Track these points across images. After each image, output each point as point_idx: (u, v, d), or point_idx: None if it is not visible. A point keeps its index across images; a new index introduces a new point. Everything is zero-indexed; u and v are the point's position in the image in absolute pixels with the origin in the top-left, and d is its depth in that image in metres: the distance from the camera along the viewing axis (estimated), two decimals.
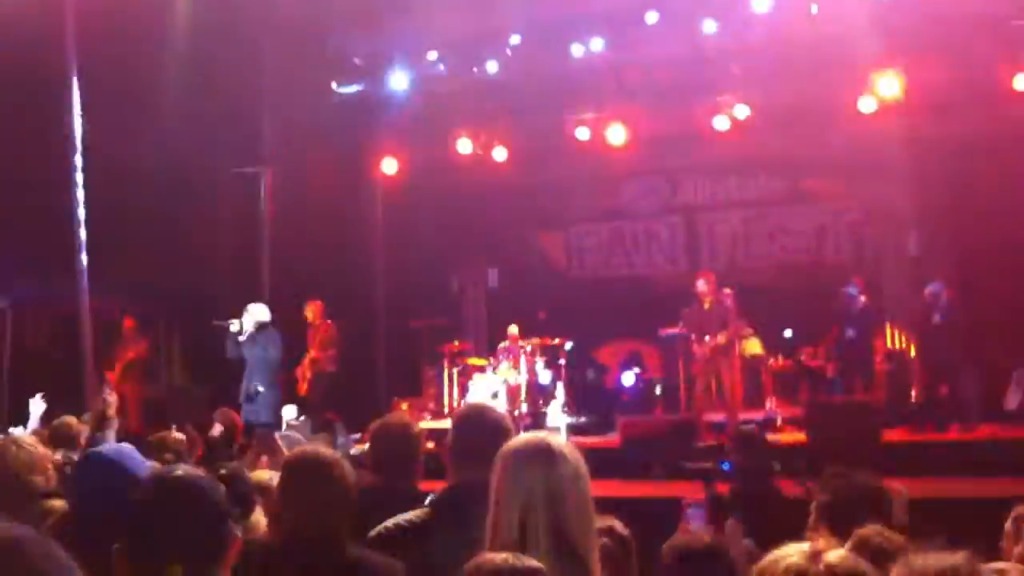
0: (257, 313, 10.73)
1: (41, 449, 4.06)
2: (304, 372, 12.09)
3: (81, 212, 10.18)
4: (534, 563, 2.37)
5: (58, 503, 3.57)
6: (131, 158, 11.50)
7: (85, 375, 10.34)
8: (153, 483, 2.58)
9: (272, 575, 3.12)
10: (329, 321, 12.12)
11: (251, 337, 10.64)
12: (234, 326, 10.64)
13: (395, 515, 3.29)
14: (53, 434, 6.16)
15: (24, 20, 10.33)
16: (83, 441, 5.90)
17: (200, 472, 2.76)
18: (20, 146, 11.38)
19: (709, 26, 12.05)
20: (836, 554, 2.07)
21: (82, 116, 10.29)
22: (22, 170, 11.31)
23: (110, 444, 4.42)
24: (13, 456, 3.85)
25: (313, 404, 11.70)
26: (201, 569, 2.29)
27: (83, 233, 10.17)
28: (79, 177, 10.20)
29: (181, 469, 2.73)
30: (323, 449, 3.55)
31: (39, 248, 11.73)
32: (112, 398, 6.08)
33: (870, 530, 3.21)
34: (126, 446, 3.45)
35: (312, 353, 12.05)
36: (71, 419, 6.58)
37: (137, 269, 11.96)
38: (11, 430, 7.18)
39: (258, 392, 10.47)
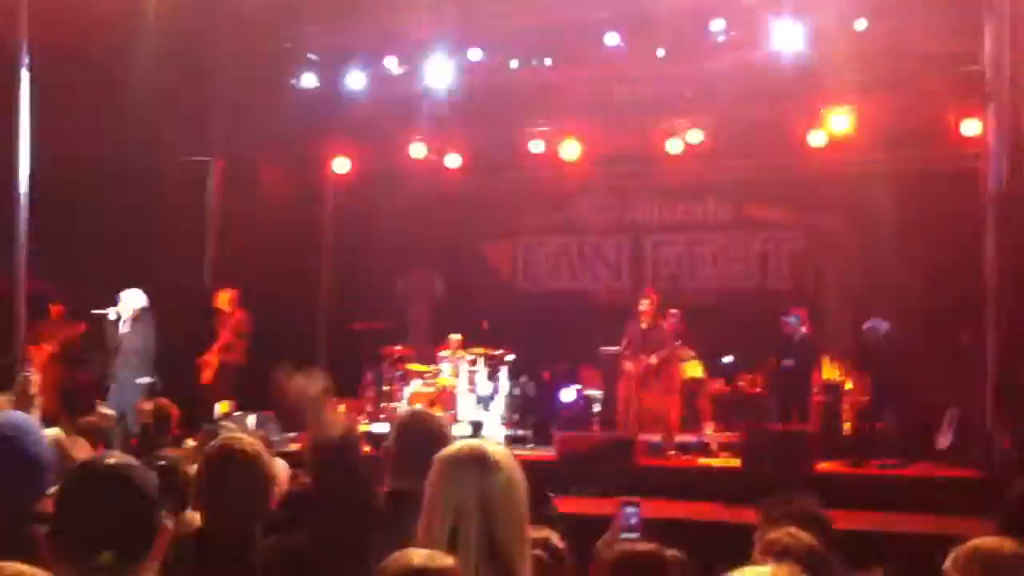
0: (133, 300, 10.54)
1: None
2: (210, 360, 11.86)
3: (24, 191, 9.98)
4: (448, 562, 2.34)
5: None
6: (78, 142, 11.29)
7: (17, 355, 10.15)
8: (84, 470, 2.55)
9: (200, 567, 3.08)
10: (242, 311, 11.94)
11: (128, 324, 10.44)
12: (111, 314, 10.44)
13: None
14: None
15: None
16: None
17: (131, 460, 2.71)
18: None
19: (668, 49, 12.13)
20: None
21: (31, 99, 10.10)
22: None
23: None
24: None
25: (215, 394, 11.51)
26: (129, 556, 2.28)
27: (25, 213, 9.98)
28: (25, 157, 10.00)
29: (112, 457, 2.69)
30: (245, 440, 3.48)
31: None
32: (35, 377, 5.96)
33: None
34: (26, 420, 3.35)
35: (220, 342, 11.85)
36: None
37: (79, 255, 11.73)
38: None
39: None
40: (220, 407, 11.14)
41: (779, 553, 3.15)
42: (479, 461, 2.60)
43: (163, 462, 4.98)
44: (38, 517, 2.89)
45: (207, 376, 11.82)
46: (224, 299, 12.00)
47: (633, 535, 3.74)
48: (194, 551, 3.16)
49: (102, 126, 11.46)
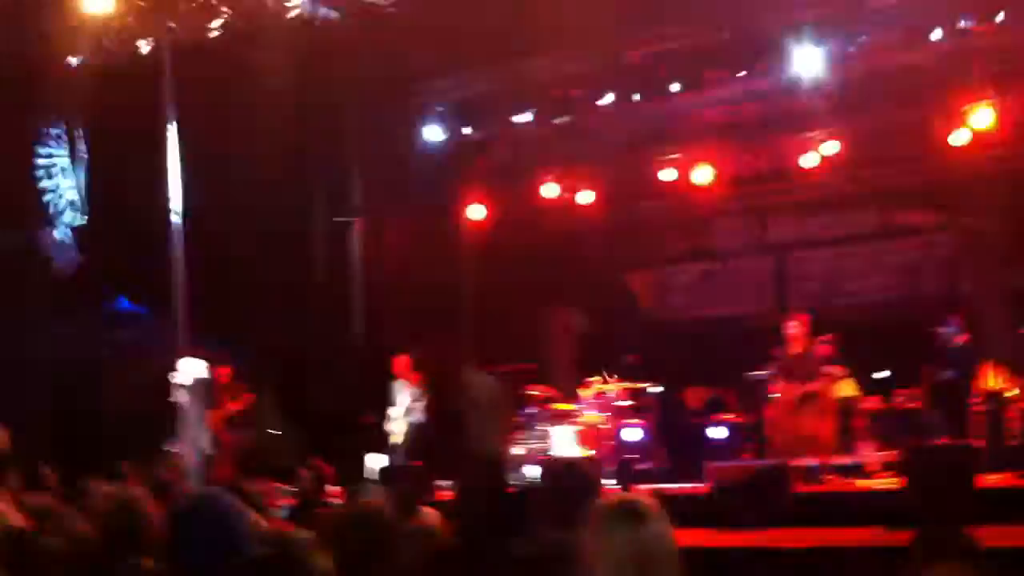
0: (194, 369, 10.64)
1: None
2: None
3: (180, 261, 10.48)
4: None
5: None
6: (227, 210, 11.83)
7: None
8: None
9: None
10: (418, 374, 12.32)
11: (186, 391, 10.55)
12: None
13: None
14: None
15: (127, 78, 10.83)
16: None
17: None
18: (123, 198, 11.86)
19: (796, 61, 11.93)
20: None
21: (181, 171, 10.63)
22: (125, 221, 11.78)
23: (205, 493, 4.48)
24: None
25: (411, 455, 11.90)
26: None
27: (181, 282, 10.48)
28: (178, 226, 10.51)
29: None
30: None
31: (141, 298, 12.15)
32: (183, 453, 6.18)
33: None
34: (221, 494, 3.48)
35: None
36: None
37: (233, 320, 12.24)
38: None
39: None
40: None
41: None
42: (633, 512, 2.67)
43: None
44: None
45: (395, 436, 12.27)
46: (400, 363, 12.39)
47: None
48: None
49: (246, 191, 11.97)
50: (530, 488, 4.14)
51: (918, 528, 4.09)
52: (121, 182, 11.97)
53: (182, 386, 10.34)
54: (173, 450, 9.55)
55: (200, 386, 10.52)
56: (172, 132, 10.46)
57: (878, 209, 14.30)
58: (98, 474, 6.47)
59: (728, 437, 12.39)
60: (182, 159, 10.53)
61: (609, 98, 12.85)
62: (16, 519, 4.30)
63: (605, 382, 12.77)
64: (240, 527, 3.17)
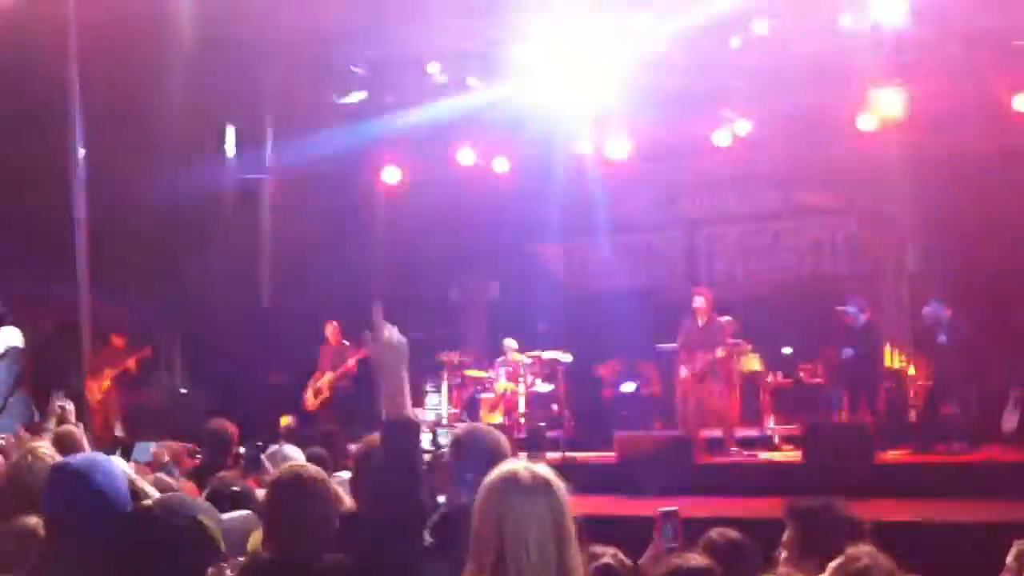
0: (9, 338, 10.39)
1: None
2: (320, 389, 12.21)
3: (82, 215, 10.21)
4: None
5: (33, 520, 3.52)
6: (132, 165, 11.53)
7: (82, 382, 10.38)
8: (134, 521, 2.61)
9: None
10: (347, 342, 12.30)
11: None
12: None
13: None
14: (58, 443, 6.13)
15: (27, 33, 10.43)
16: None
17: (182, 504, 2.77)
18: (24, 150, 11.46)
19: (713, 40, 12.03)
20: None
21: (84, 120, 10.32)
22: (26, 174, 11.38)
23: (83, 455, 4.39)
24: (28, 468, 3.85)
25: (326, 421, 11.83)
26: None
27: (84, 237, 10.20)
28: (81, 178, 10.22)
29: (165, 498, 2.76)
30: (311, 467, 3.58)
31: (40, 252, 11.78)
32: (69, 406, 6.04)
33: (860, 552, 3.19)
34: (100, 457, 3.43)
35: (338, 371, 12.29)
36: (74, 428, 6.56)
37: (137, 277, 11.98)
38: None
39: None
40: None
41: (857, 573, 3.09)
42: (522, 485, 2.61)
43: (235, 488, 5.04)
44: None
45: (312, 403, 12.16)
46: (330, 330, 12.45)
47: (672, 544, 3.72)
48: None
49: (153, 145, 11.69)
50: (437, 454, 4.11)
51: (792, 498, 4.18)
52: (25, 133, 11.57)
53: None
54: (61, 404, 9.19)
55: (15, 355, 10.16)
56: (74, 83, 10.15)
57: (784, 188, 14.55)
58: None
59: (637, 405, 12.57)
60: (86, 112, 10.22)
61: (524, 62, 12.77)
62: None
63: (518, 351, 12.83)
64: (116, 485, 3.12)
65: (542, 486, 2.62)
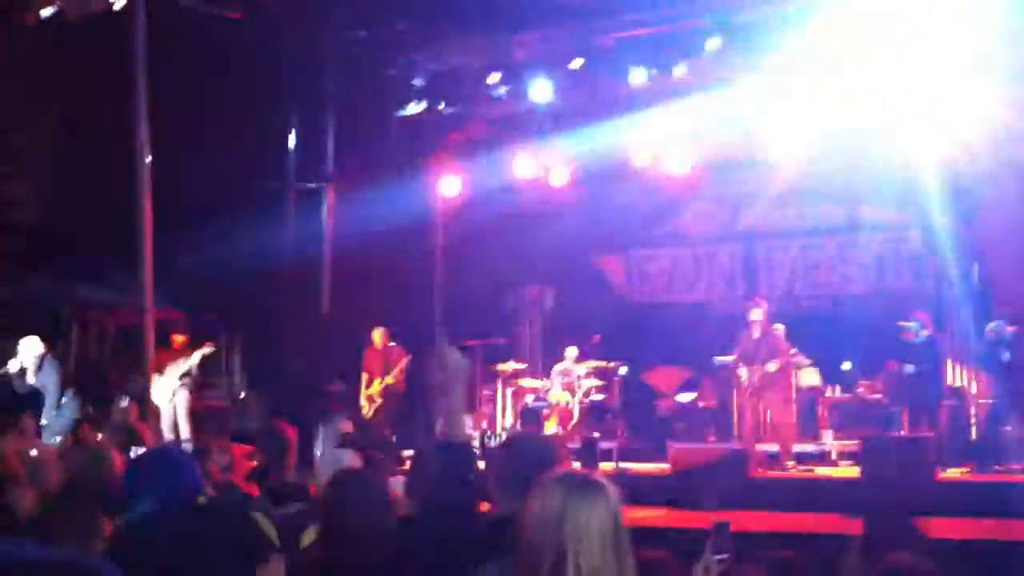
0: (32, 347, 10.54)
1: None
2: (372, 397, 12.33)
3: (148, 222, 10.42)
4: None
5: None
6: (197, 172, 11.74)
7: (148, 384, 10.58)
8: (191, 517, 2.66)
9: None
10: (394, 345, 12.39)
11: (38, 367, 10.26)
12: (13, 366, 10.24)
13: None
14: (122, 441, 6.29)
15: (96, 36, 10.68)
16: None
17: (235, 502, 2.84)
18: (89, 153, 11.73)
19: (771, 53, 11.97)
20: None
21: (151, 128, 10.54)
22: (91, 178, 11.64)
23: (156, 449, 4.48)
24: (92, 465, 3.95)
25: (378, 427, 11.93)
26: None
27: (148, 241, 10.42)
28: (146, 182, 10.44)
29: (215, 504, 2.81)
30: (367, 471, 3.63)
31: (104, 256, 12.04)
32: (132, 405, 6.16)
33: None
34: (175, 449, 3.51)
35: (386, 378, 12.34)
36: (138, 426, 6.72)
37: (200, 279, 12.17)
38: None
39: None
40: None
41: None
42: (580, 490, 2.61)
43: (290, 487, 5.13)
44: None
45: (371, 411, 12.36)
46: (377, 334, 12.49)
47: (724, 555, 3.69)
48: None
49: (218, 154, 11.88)
50: (489, 460, 4.12)
51: (868, 517, 4.15)
52: (91, 140, 11.85)
53: (26, 367, 10.15)
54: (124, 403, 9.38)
55: (50, 360, 10.31)
56: (142, 88, 10.38)
57: (844, 203, 14.39)
58: None
59: (692, 417, 12.50)
60: (153, 119, 10.45)
61: (584, 76, 12.82)
62: None
63: (575, 361, 12.83)
64: (188, 480, 3.18)
65: (599, 491, 2.63)
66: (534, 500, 2.65)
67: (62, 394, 10.12)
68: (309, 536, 3.74)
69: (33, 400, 8.80)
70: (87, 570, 1.08)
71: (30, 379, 10.11)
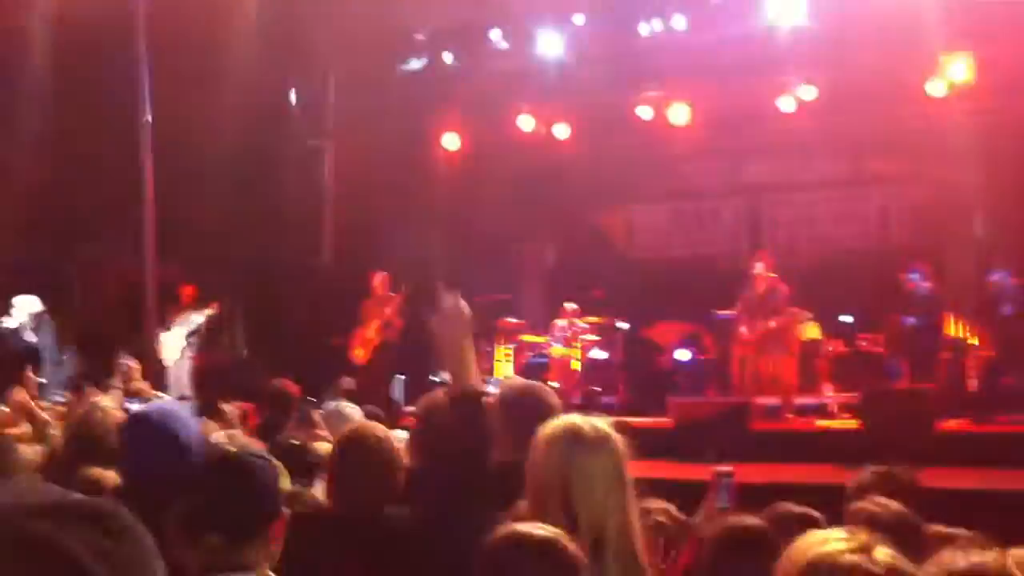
0: (29, 304, 10.55)
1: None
2: (369, 339, 12.23)
3: (149, 181, 10.43)
4: (551, 533, 2.37)
5: (110, 473, 3.64)
6: (199, 129, 11.71)
7: (151, 341, 10.64)
8: (211, 462, 2.68)
9: (323, 544, 3.24)
10: (395, 293, 12.33)
11: (35, 326, 10.45)
12: (9, 322, 10.40)
13: None
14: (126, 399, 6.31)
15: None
16: None
17: (257, 451, 2.87)
18: (90, 113, 11.69)
19: (775, 5, 11.90)
20: (887, 552, 1.96)
21: (151, 86, 10.51)
22: (92, 138, 11.61)
23: (155, 404, 4.51)
24: (98, 421, 3.97)
25: (376, 373, 11.89)
26: (239, 542, 2.39)
27: (150, 201, 10.43)
28: (148, 144, 10.43)
29: (238, 447, 2.82)
30: (377, 426, 3.65)
31: (107, 216, 12.05)
32: (135, 364, 6.18)
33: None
34: (172, 405, 3.54)
35: (380, 320, 12.21)
36: (142, 385, 6.75)
37: (202, 237, 12.19)
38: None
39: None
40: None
41: (865, 522, 3.12)
42: (578, 438, 2.65)
43: (294, 441, 5.18)
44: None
45: (359, 355, 12.19)
46: (377, 280, 12.37)
47: (726, 505, 3.73)
48: (320, 530, 3.31)
49: (219, 110, 11.85)
50: (493, 410, 4.13)
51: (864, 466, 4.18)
52: (91, 95, 11.79)
53: (23, 324, 10.17)
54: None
55: (46, 317, 10.34)
56: (142, 48, 10.34)
57: (850, 156, 14.34)
58: None
59: (693, 371, 12.53)
60: (153, 77, 10.41)
61: (586, 30, 12.75)
62: None
63: (575, 316, 12.85)
64: (190, 437, 3.20)
65: (604, 438, 2.66)
66: (540, 449, 2.68)
67: (60, 352, 10.17)
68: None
69: (32, 356, 8.86)
70: (108, 512, 1.11)
71: (27, 336, 10.14)
